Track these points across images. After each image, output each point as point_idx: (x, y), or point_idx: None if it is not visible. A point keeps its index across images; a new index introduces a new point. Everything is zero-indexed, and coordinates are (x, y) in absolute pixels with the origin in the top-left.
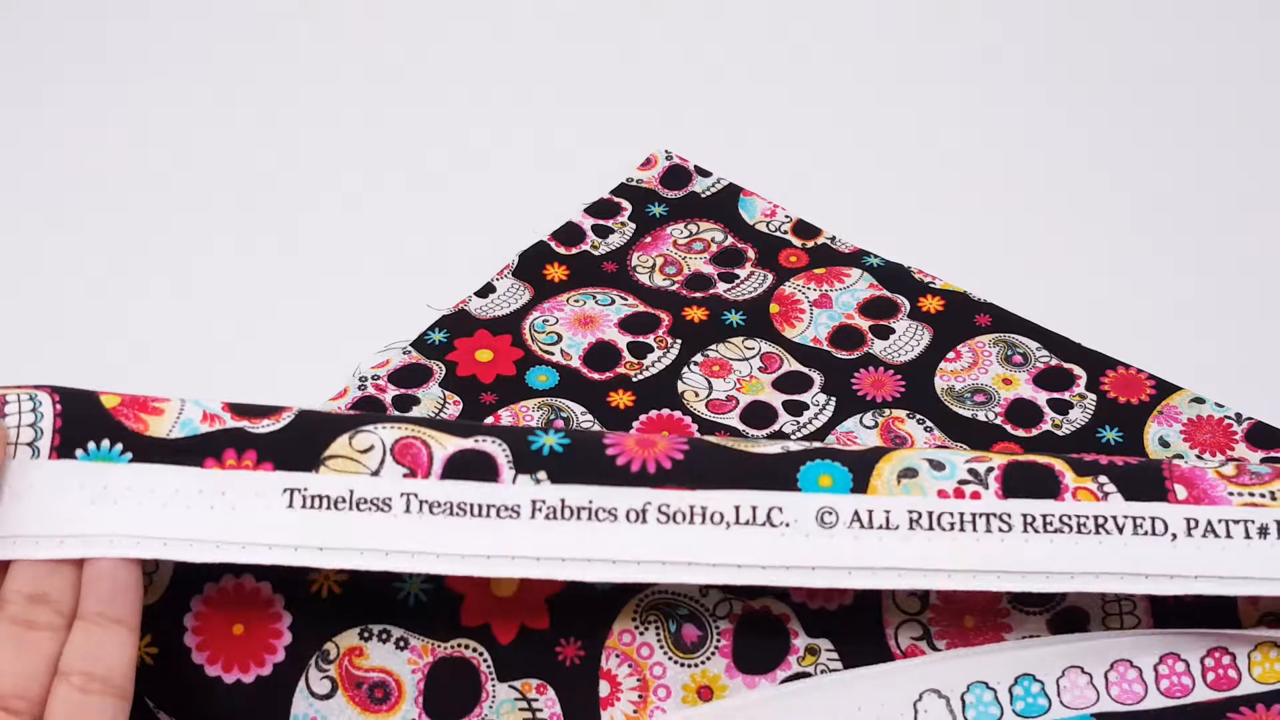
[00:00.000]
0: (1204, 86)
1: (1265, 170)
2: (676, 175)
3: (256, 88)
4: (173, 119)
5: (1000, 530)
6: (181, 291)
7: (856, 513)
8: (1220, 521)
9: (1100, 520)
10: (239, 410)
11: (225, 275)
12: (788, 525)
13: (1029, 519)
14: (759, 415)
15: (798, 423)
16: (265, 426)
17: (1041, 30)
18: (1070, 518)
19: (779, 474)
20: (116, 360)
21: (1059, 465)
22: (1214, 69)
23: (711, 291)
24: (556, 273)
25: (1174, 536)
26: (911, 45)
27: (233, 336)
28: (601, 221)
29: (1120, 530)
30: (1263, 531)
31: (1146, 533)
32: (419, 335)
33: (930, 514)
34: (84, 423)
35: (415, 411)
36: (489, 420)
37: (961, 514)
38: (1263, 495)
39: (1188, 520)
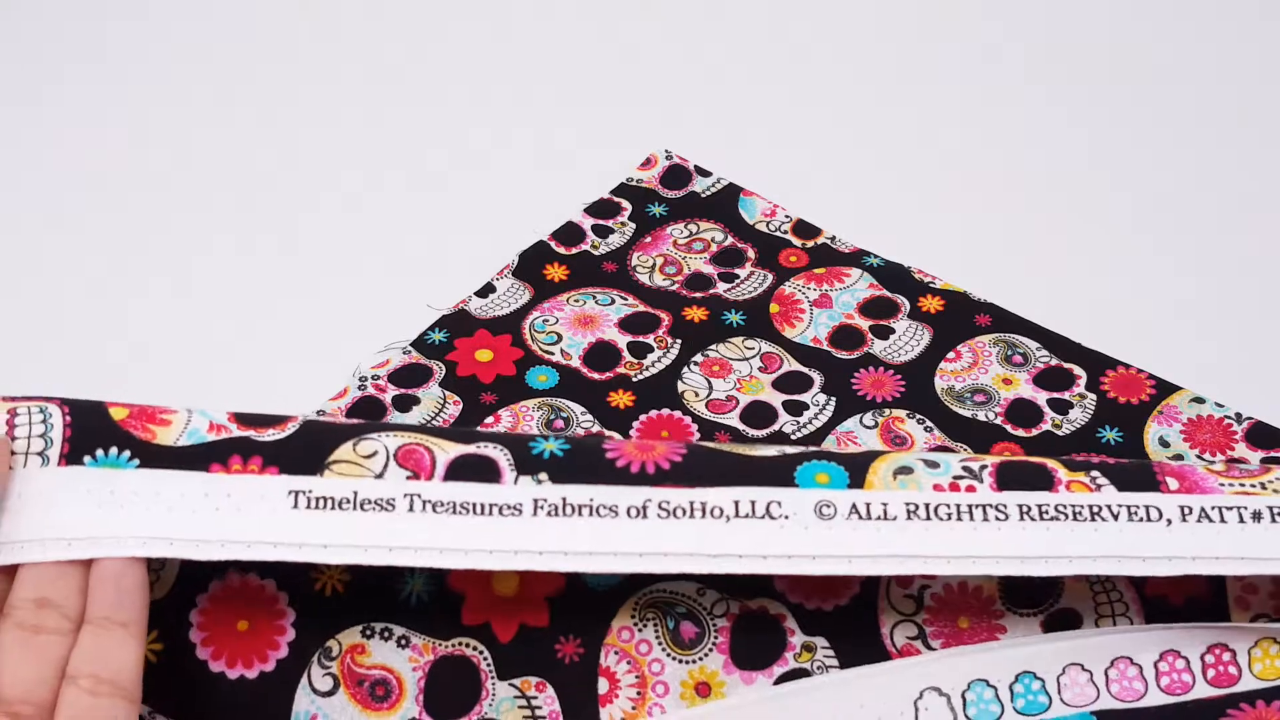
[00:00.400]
0: (1203, 86)
1: (1265, 170)
2: (676, 175)
3: (256, 88)
4: (173, 119)
5: (997, 520)
6: (181, 292)
7: (854, 505)
8: (1214, 508)
9: (1095, 509)
10: (245, 420)
11: (225, 275)
12: (787, 518)
13: (1025, 509)
14: (759, 415)
15: (798, 423)
16: (270, 435)
17: (1041, 30)
18: (1065, 507)
19: (776, 474)
20: (117, 360)
21: (1051, 463)
22: (1213, 69)
23: (711, 291)
24: (556, 273)
25: (1168, 522)
26: (911, 45)
27: (233, 336)
28: (601, 221)
29: (1115, 518)
30: (1256, 516)
31: (1141, 519)
32: (419, 335)
33: (927, 505)
34: (93, 433)
35: (415, 411)
36: (489, 420)
37: (958, 505)
38: (1253, 486)
39: (1181, 507)
